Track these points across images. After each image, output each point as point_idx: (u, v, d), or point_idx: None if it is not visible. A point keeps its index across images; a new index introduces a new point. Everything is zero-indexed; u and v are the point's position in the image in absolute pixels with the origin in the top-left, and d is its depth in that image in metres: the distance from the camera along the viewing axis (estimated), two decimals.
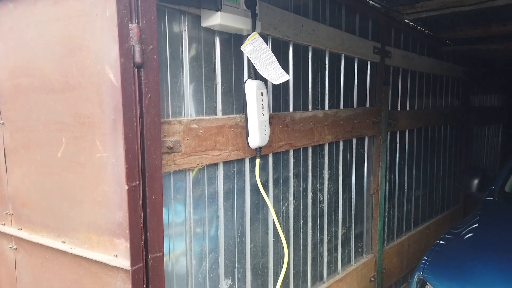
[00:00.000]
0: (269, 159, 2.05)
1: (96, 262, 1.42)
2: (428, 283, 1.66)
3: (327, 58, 2.39)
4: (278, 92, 2.07)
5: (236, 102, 1.82)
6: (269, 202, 1.94)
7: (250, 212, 1.94)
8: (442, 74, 3.84)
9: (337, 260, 2.64)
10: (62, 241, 1.52)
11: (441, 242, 1.93)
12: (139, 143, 1.32)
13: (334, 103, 2.48)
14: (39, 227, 1.60)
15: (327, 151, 2.46)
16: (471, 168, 3.68)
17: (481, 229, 1.90)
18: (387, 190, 3.14)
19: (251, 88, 1.66)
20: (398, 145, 3.26)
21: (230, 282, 1.87)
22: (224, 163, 1.79)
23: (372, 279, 2.92)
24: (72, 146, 1.45)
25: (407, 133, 3.36)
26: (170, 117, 1.55)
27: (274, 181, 2.09)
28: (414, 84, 3.40)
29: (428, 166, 3.77)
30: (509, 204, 2.10)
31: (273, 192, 2.09)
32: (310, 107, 2.29)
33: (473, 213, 2.16)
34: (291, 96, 2.15)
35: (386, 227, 3.18)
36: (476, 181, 2.43)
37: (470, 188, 2.45)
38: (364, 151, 2.83)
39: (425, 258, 1.82)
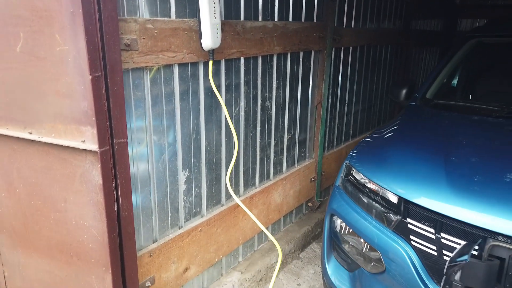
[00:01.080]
0: (222, 65, 2.20)
1: (64, 148, 1.58)
2: (353, 168, 2.01)
3: None
4: (229, 0, 2.15)
5: (189, 6, 1.91)
6: (222, 101, 2.14)
7: (205, 113, 2.14)
8: None
9: (283, 161, 2.97)
10: (29, 132, 1.64)
11: (367, 139, 2.27)
12: (99, 36, 1.42)
13: (283, 16, 2.61)
14: (4, 121, 1.69)
15: (275, 61, 2.64)
16: (401, 80, 4.06)
17: (401, 126, 2.25)
18: (329, 103, 3.45)
19: None
20: (341, 61, 3.50)
21: (187, 173, 2.11)
22: (179, 65, 1.92)
23: (312, 179, 3.33)
24: (31, 41, 1.51)
25: (350, 50, 3.60)
26: (126, 15, 1.63)
27: (226, 86, 2.27)
28: (360, 3, 3.57)
29: (368, 83, 4.10)
30: (428, 107, 2.46)
31: (225, 96, 2.27)
32: (260, 17, 2.41)
33: (397, 116, 2.51)
34: (242, 5, 2.25)
35: (327, 136, 3.54)
36: (404, 91, 2.76)
37: (399, 98, 2.78)
38: (310, 64, 3.05)
39: (352, 151, 2.16)
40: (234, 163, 2.28)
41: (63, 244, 1.77)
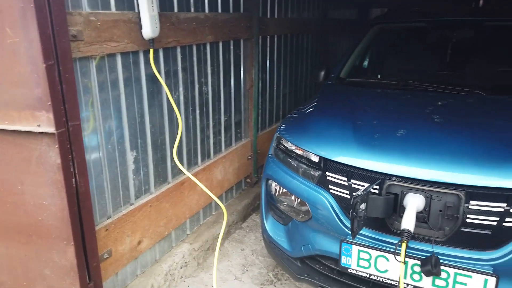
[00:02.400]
0: (160, 53, 2.41)
1: (20, 133, 1.71)
2: (283, 138, 2.36)
3: None
4: None
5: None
6: (164, 85, 2.35)
7: (147, 98, 2.33)
8: None
9: (221, 142, 3.25)
10: None
11: (292, 114, 2.63)
12: (50, 28, 1.57)
13: (213, 7, 2.87)
14: None
15: (209, 49, 2.89)
16: (320, 64, 4.54)
17: (320, 101, 2.65)
18: (260, 87, 3.78)
19: None
20: (268, 48, 3.85)
21: (135, 154, 2.30)
22: (122, 54, 2.10)
23: (249, 157, 3.66)
24: None
25: (276, 38, 3.96)
26: (70, 9, 1.78)
27: (165, 73, 2.48)
28: None
29: (293, 68, 4.51)
30: (342, 85, 2.89)
31: (165, 82, 2.48)
32: (192, 9, 2.64)
33: (316, 93, 2.91)
34: None
35: (260, 117, 3.88)
36: (322, 73, 3.17)
37: (318, 79, 3.19)
38: (240, 52, 3.34)
39: (281, 124, 2.51)
40: (178, 142, 2.51)
41: (21, 225, 1.89)
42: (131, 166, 2.29)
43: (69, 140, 1.72)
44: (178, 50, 2.56)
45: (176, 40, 2.47)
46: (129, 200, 2.32)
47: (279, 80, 4.22)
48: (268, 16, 3.75)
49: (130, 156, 2.27)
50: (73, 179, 1.78)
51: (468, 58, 2.95)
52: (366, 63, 3.46)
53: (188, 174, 2.51)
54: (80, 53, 1.82)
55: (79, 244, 1.86)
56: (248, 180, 3.76)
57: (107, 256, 2.13)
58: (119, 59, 2.09)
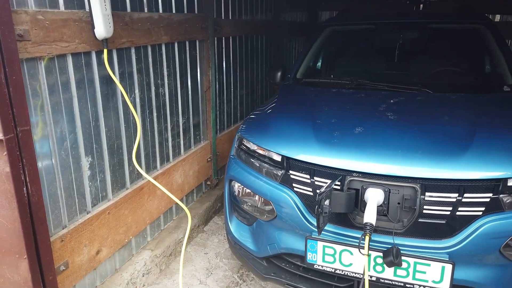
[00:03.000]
0: (114, 54, 2.31)
1: None
2: (244, 139, 2.35)
3: None
4: None
5: None
6: (120, 86, 2.26)
7: (102, 101, 2.23)
8: None
9: (180, 144, 3.19)
10: None
11: (251, 116, 2.64)
12: None
13: (167, 7, 2.80)
14: None
15: (164, 50, 2.82)
16: (276, 65, 4.60)
17: (278, 101, 2.68)
18: (217, 89, 3.76)
19: None
20: (224, 50, 3.83)
21: (90, 159, 2.19)
22: (73, 54, 1.99)
23: (209, 160, 3.62)
24: None
25: (231, 39, 3.96)
26: (15, 7, 1.66)
27: (120, 74, 2.38)
28: None
29: (249, 69, 4.53)
30: (298, 85, 2.95)
31: (121, 83, 2.39)
32: (146, 9, 2.57)
33: (275, 94, 2.94)
34: None
35: (218, 119, 3.86)
36: (279, 73, 3.21)
37: (275, 79, 3.23)
38: (196, 53, 3.30)
39: (241, 125, 2.51)
40: (138, 144, 2.43)
41: None
42: (86, 172, 2.17)
43: (18, 146, 1.60)
44: (133, 51, 2.47)
45: (130, 40, 2.39)
46: (86, 208, 2.20)
47: (236, 81, 4.22)
48: (223, 18, 3.73)
49: (85, 162, 2.16)
50: (24, 188, 1.66)
51: (414, 58, 3.13)
52: (320, 64, 3.56)
53: (148, 177, 2.43)
54: (28, 53, 1.70)
55: (33, 257, 1.74)
56: (208, 182, 3.72)
57: (63, 268, 2.00)
58: (70, 60, 1.98)
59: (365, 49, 3.39)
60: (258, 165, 2.21)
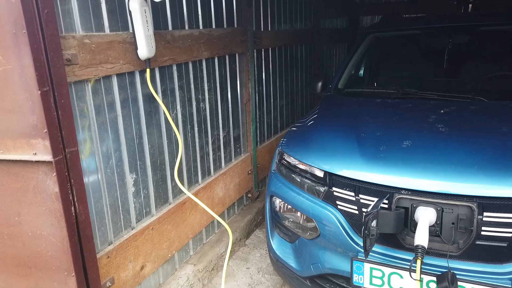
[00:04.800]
0: (156, 72, 2.36)
1: (15, 162, 1.65)
2: (285, 153, 2.30)
3: None
4: (157, 12, 2.32)
5: (121, 19, 2.04)
6: (162, 104, 2.29)
7: (145, 118, 2.28)
8: None
9: (221, 158, 3.20)
10: None
11: (293, 128, 2.59)
12: (44, 53, 1.52)
13: (207, 23, 2.84)
14: None
15: (205, 66, 2.85)
16: (317, 74, 4.52)
17: (320, 113, 2.60)
18: (257, 100, 3.75)
19: (135, 5, 1.91)
20: (263, 61, 3.82)
21: (134, 176, 2.24)
22: (118, 75, 2.05)
23: (249, 172, 3.60)
24: None
25: (270, 50, 3.94)
26: (63, 33, 1.73)
27: (162, 92, 2.43)
28: (274, 7, 3.92)
29: (289, 79, 4.49)
30: (341, 96, 2.86)
31: (162, 101, 2.43)
32: (186, 26, 2.61)
33: (316, 106, 2.87)
34: (169, 15, 2.43)
35: (258, 131, 3.84)
36: (320, 83, 3.14)
37: (316, 90, 3.16)
38: (236, 66, 3.31)
39: (282, 139, 2.46)
40: (180, 160, 2.45)
41: (20, 257, 1.81)
42: (131, 189, 2.22)
43: (66, 167, 1.66)
44: (174, 68, 2.52)
45: (172, 58, 2.43)
46: (131, 224, 2.25)
47: (276, 92, 4.19)
48: (262, 29, 3.73)
49: (130, 178, 2.21)
50: (72, 207, 1.71)
51: (465, 63, 2.94)
52: (363, 72, 3.45)
53: (189, 194, 2.44)
54: (75, 77, 1.77)
55: (81, 274, 1.79)
56: (249, 195, 3.70)
57: (109, 284, 2.05)
58: (115, 81, 2.04)
59: (412, 56, 3.24)
60: (299, 180, 2.15)
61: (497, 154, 1.79)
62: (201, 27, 2.77)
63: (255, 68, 3.63)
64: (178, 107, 2.59)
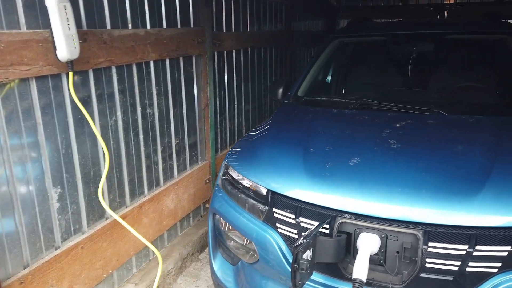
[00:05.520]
0: (90, 75, 2.14)
1: None
2: (230, 167, 2.12)
3: None
4: (91, 9, 2.11)
5: (43, 16, 1.82)
6: (85, 112, 2.05)
7: (74, 126, 2.06)
8: None
9: (173, 167, 2.99)
10: None
11: (244, 138, 2.40)
12: None
13: (156, 23, 2.63)
14: None
15: (153, 68, 2.64)
16: (278, 79, 4.35)
17: (272, 124, 2.42)
18: (218, 105, 3.56)
19: (51, 0, 1.69)
20: (226, 64, 3.63)
21: (60, 190, 2.02)
22: (37, 78, 1.83)
23: (207, 181, 3.40)
24: None
25: (234, 53, 3.75)
26: None
27: (97, 96, 2.21)
28: (238, 7, 3.73)
29: (256, 83, 4.31)
30: (298, 104, 2.68)
31: (98, 107, 2.22)
32: (130, 25, 2.40)
33: (271, 115, 2.70)
34: (107, 13, 2.21)
35: (219, 137, 3.65)
36: (280, 90, 2.96)
37: (276, 96, 2.98)
38: (192, 69, 3.11)
39: (230, 150, 2.27)
40: (106, 175, 2.24)
41: None
42: (55, 205, 2.00)
43: None
44: (114, 70, 2.30)
45: (109, 59, 2.21)
46: (54, 244, 2.02)
47: (241, 97, 4.00)
48: (224, 30, 3.54)
49: (53, 193, 1.98)
50: None
51: (430, 73, 2.80)
52: (325, 78, 3.29)
53: (115, 216, 2.23)
54: None
55: None
56: (207, 205, 3.50)
57: None
58: (33, 84, 1.82)
59: (376, 63, 3.09)
60: (242, 198, 1.96)
61: (448, 177, 1.64)
62: (148, 26, 2.56)
63: (216, 72, 3.44)
64: (118, 113, 2.38)
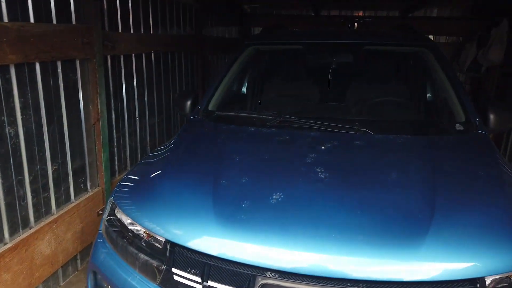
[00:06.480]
0: None
1: None
2: (117, 207, 1.60)
3: None
4: None
5: None
6: None
7: None
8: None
9: (50, 200, 2.34)
10: None
11: (141, 163, 1.91)
12: None
13: (18, 14, 2.00)
14: None
15: (14, 75, 2.00)
16: (186, 90, 3.90)
17: (176, 146, 1.96)
18: (113, 119, 2.97)
19: None
20: (123, 70, 3.06)
21: None
22: None
23: (100, 212, 2.79)
24: None
25: (134, 57, 3.19)
26: None
27: None
28: (138, 4, 3.19)
29: (163, 93, 3.78)
30: (209, 121, 2.25)
31: None
32: None
33: (176, 134, 2.23)
34: None
35: (116, 157, 3.05)
36: (188, 102, 2.50)
37: (184, 110, 2.51)
38: (75, 76, 2.50)
39: (118, 183, 1.75)
40: None
41: None
42: None
43: None
44: None
45: None
46: None
47: (143, 108, 3.44)
48: (120, 31, 2.97)
49: None
50: None
51: (350, 85, 2.59)
52: (239, 90, 2.92)
53: None
54: None
55: None
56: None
57: None
58: None
59: (294, 74, 2.81)
60: (131, 252, 1.47)
61: (388, 219, 1.34)
62: (5, 19, 1.92)
63: (110, 79, 2.86)
64: None
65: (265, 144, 1.89)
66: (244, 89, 2.93)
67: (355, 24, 6.08)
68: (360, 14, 6.51)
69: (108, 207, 1.68)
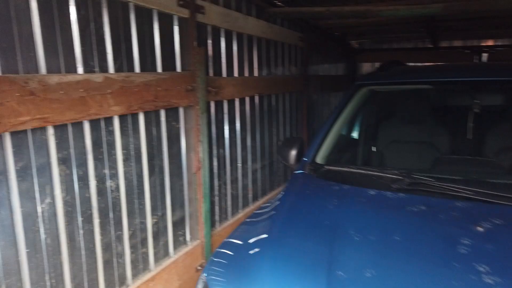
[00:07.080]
0: (5, 142, 1.45)
1: None
2: None
3: (104, 5, 1.84)
4: (12, 47, 1.45)
5: None
6: None
7: None
8: (276, 40, 3.62)
9: (148, 255, 2.21)
10: None
11: (235, 233, 1.63)
12: None
13: (123, 65, 1.97)
14: None
15: (117, 126, 1.95)
16: (291, 138, 3.58)
17: (280, 211, 1.64)
18: (215, 167, 2.82)
19: None
20: (226, 115, 2.93)
21: None
22: None
23: (199, 268, 2.59)
24: None
25: (237, 102, 3.06)
26: None
27: (19, 171, 1.50)
28: (242, 49, 3.08)
29: (266, 137, 3.58)
30: (317, 177, 1.90)
31: (19, 186, 1.50)
32: (80, 68, 1.73)
33: (282, 190, 1.92)
34: (41, 52, 1.56)
35: (216, 207, 2.88)
36: (294, 152, 2.19)
37: (288, 161, 2.21)
38: (178, 124, 2.41)
39: (214, 254, 1.49)
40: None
41: None
42: None
43: None
44: (50, 132, 1.61)
45: (42, 117, 1.53)
46: None
47: (246, 154, 3.26)
48: (224, 75, 2.87)
49: None
50: None
51: (502, 136, 2.00)
52: (350, 139, 2.51)
53: None
54: None
55: None
56: None
57: None
58: None
59: (419, 120, 2.32)
60: None
61: None
62: (111, 70, 1.89)
63: (213, 125, 2.74)
64: (57, 191, 1.65)
65: (392, 218, 1.45)
66: (355, 136, 2.53)
67: (484, 55, 5.24)
68: (489, 43, 5.62)
69: (199, 286, 1.41)
